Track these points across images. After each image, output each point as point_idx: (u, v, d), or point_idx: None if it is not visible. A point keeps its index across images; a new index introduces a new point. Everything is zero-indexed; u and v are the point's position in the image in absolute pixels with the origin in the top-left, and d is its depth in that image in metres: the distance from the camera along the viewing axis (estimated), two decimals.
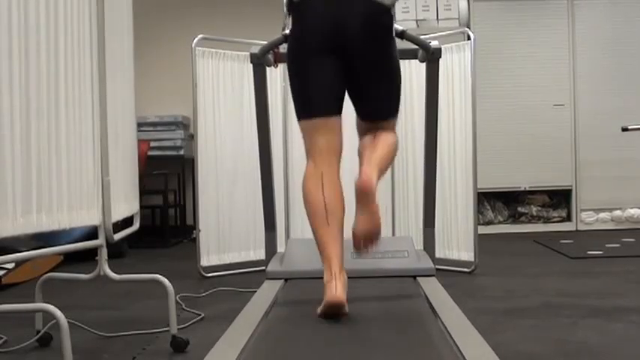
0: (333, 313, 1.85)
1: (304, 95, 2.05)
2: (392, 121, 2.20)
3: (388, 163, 2.10)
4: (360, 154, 2.13)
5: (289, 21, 2.12)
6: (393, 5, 2.08)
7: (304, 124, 2.08)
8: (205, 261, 3.97)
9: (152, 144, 5.74)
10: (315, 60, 2.01)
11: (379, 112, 2.16)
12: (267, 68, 2.75)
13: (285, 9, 2.11)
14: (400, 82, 2.17)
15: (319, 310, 1.88)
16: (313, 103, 2.04)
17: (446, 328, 1.75)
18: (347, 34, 1.99)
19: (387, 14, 2.05)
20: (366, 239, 1.90)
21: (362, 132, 2.22)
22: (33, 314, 2.51)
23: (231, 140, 4.10)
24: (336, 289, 1.85)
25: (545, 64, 5.89)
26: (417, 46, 2.61)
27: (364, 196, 1.87)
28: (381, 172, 2.01)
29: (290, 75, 2.08)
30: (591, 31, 5.91)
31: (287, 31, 2.22)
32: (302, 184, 2.03)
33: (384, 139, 2.11)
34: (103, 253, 2.31)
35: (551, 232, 5.80)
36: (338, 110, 2.07)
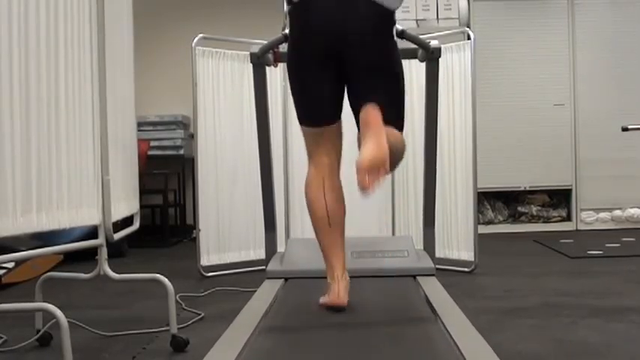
0: (334, 311, 1.94)
1: (304, 104, 2.07)
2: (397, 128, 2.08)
3: (397, 145, 1.92)
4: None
5: (288, 20, 2.11)
6: (397, 8, 2.02)
7: (305, 130, 2.12)
8: (205, 260, 3.97)
9: (152, 144, 5.73)
10: (315, 66, 1.99)
11: (388, 113, 2.10)
12: (267, 68, 2.75)
13: (285, 8, 2.10)
14: (403, 89, 2.08)
15: (322, 300, 1.99)
16: (313, 113, 2.06)
17: (446, 327, 1.75)
18: (347, 38, 1.94)
19: (390, 18, 2.00)
20: (371, 169, 1.66)
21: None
22: (33, 314, 2.51)
23: (231, 140, 4.10)
24: (339, 293, 1.95)
25: (545, 64, 5.89)
26: (416, 46, 2.61)
27: (369, 125, 1.75)
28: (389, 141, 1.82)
29: (290, 78, 2.08)
30: (591, 31, 5.91)
31: (287, 31, 2.22)
32: (304, 188, 2.09)
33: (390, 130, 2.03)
34: (103, 253, 2.31)
35: (551, 231, 5.80)
36: (337, 117, 2.09)
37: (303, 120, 2.09)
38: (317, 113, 2.05)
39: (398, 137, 1.96)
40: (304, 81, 2.03)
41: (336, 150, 2.11)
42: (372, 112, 1.76)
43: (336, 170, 2.11)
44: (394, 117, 1.99)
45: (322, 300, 1.99)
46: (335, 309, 1.94)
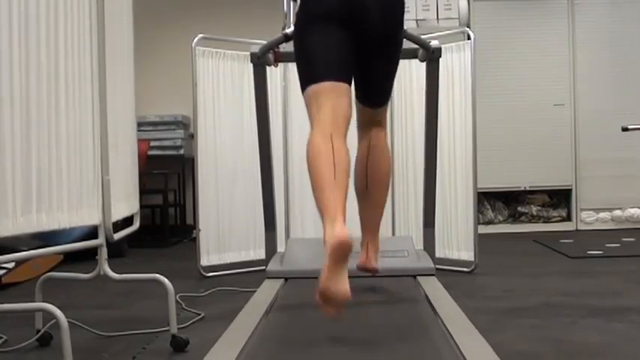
0: (342, 254, 1.58)
1: (314, 59, 1.93)
2: (385, 109, 2.23)
3: (384, 198, 2.23)
4: (357, 193, 2.20)
5: (289, 20, 2.11)
6: None
7: (312, 90, 1.91)
8: (205, 261, 3.97)
9: (152, 144, 5.74)
10: (329, 27, 1.94)
11: (380, 94, 2.17)
12: (267, 68, 2.75)
13: (284, 7, 2.10)
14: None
15: (326, 250, 1.59)
16: (324, 66, 1.91)
17: (446, 327, 1.75)
18: (365, 7, 1.95)
19: (403, 1, 2.07)
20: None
21: (359, 124, 2.24)
22: (33, 314, 2.51)
23: (231, 140, 4.10)
24: (336, 226, 1.61)
25: (545, 64, 5.89)
26: (417, 46, 2.61)
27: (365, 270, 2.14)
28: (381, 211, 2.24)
29: (299, 40, 1.99)
30: (591, 31, 5.91)
31: (287, 31, 2.22)
32: (307, 146, 1.82)
33: (379, 167, 2.18)
34: (103, 253, 2.31)
35: (551, 231, 5.80)
36: (349, 78, 1.97)
37: (311, 76, 1.92)
38: (327, 65, 1.92)
39: (386, 180, 2.18)
40: (316, 37, 1.94)
41: (345, 114, 1.89)
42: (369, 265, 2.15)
43: (344, 134, 1.86)
44: (389, 94, 2.18)
45: (326, 250, 1.60)
46: (340, 248, 1.57)
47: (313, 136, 1.82)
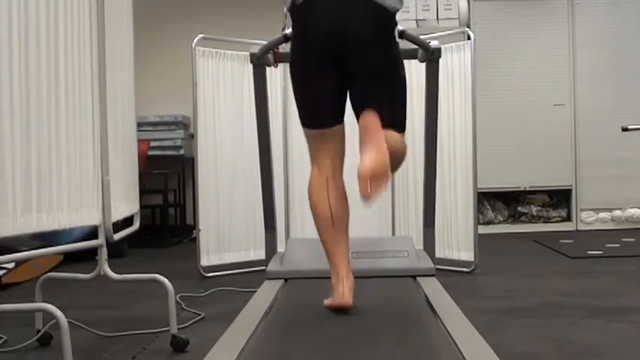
0: (342, 309, 1.94)
1: (306, 105, 2.07)
2: (401, 137, 2.06)
3: (397, 149, 1.92)
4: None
5: (289, 21, 2.11)
6: (399, 10, 2.03)
7: (308, 132, 2.10)
8: (205, 261, 3.97)
9: (152, 144, 5.73)
10: (317, 67, 1.98)
11: (389, 118, 2.03)
12: (267, 68, 2.76)
13: (284, 9, 2.10)
14: (405, 90, 2.08)
15: (327, 302, 1.98)
16: (316, 116, 2.05)
17: (446, 327, 1.75)
18: (348, 38, 1.93)
19: (391, 19, 2.01)
20: (374, 177, 1.67)
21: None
22: (33, 314, 2.51)
23: (231, 140, 4.10)
24: (344, 293, 1.94)
25: (545, 64, 5.89)
26: (417, 46, 2.62)
27: (368, 132, 1.76)
28: (391, 148, 1.82)
29: (292, 79, 2.08)
30: (591, 31, 5.91)
31: (287, 31, 2.22)
32: (308, 190, 2.08)
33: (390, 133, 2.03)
34: (103, 253, 2.31)
35: (551, 231, 5.80)
36: (340, 119, 2.08)
37: (306, 122, 2.09)
38: (319, 115, 2.04)
39: (398, 140, 1.97)
40: (306, 82, 2.02)
41: (339, 152, 2.10)
42: (371, 119, 1.77)
43: (339, 171, 2.10)
44: (395, 119, 2.00)
45: (327, 302, 1.99)
46: (340, 310, 1.94)
47: (312, 182, 2.08)
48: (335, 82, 2.00)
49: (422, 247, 2.94)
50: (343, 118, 2.09)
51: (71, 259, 4.42)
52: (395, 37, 2.06)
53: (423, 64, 2.71)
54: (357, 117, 2.07)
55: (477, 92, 3.97)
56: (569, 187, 5.93)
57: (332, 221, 2.01)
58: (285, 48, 2.49)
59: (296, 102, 2.10)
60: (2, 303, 1.95)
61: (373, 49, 1.97)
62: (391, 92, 2.02)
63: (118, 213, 2.37)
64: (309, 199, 2.08)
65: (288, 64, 2.11)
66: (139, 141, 3.14)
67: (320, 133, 2.06)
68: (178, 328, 2.42)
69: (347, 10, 1.94)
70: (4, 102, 1.77)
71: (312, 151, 2.11)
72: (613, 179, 5.89)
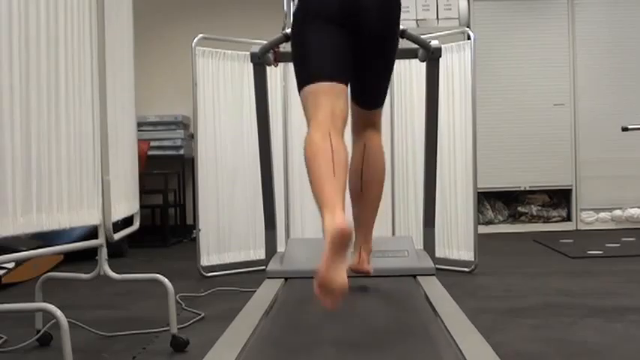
0: (342, 243, 1.58)
1: (311, 59, 1.94)
2: (380, 111, 2.23)
3: (379, 199, 2.21)
4: (352, 194, 2.18)
5: (289, 20, 2.10)
6: None
7: (309, 90, 1.92)
8: (205, 260, 3.97)
9: (152, 144, 5.73)
10: (326, 27, 1.94)
11: (376, 95, 2.17)
12: (268, 68, 2.75)
13: (284, 7, 2.10)
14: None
15: (326, 239, 1.60)
16: (321, 67, 1.92)
17: (446, 327, 1.75)
18: (362, 7, 1.95)
19: (399, 2, 2.07)
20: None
21: (354, 127, 2.23)
22: (33, 314, 2.51)
23: (231, 140, 4.10)
24: (336, 216, 1.61)
25: (545, 64, 5.89)
26: (417, 46, 2.61)
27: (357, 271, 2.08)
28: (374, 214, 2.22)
29: (296, 40, 2.00)
30: (591, 31, 5.91)
31: (287, 31, 2.21)
32: (304, 145, 1.82)
33: (374, 170, 2.17)
34: (103, 253, 2.31)
35: (551, 231, 5.80)
36: (345, 79, 1.97)
37: (308, 76, 1.93)
38: (325, 66, 1.93)
39: (381, 169, 2.19)
40: (314, 37, 1.95)
41: (342, 114, 1.90)
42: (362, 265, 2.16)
43: (342, 133, 1.87)
44: (384, 96, 2.19)
45: (325, 244, 1.60)
46: (339, 238, 1.57)
47: (311, 135, 1.81)
48: (343, 43, 1.96)
49: (422, 247, 2.94)
50: (347, 82, 1.99)
51: (71, 259, 4.42)
52: (400, 20, 2.11)
53: (423, 64, 2.71)
54: (354, 90, 2.16)
55: (477, 92, 3.97)
56: (569, 187, 5.93)
57: (333, 168, 1.73)
58: (286, 47, 2.49)
59: (298, 59, 1.98)
60: (2, 303, 1.95)
61: (385, 25, 2.02)
62: (389, 69, 2.13)
63: (118, 213, 2.37)
64: (306, 145, 1.80)
65: (288, 64, 2.11)
66: (139, 141, 3.14)
67: (323, 87, 1.90)
68: (178, 328, 2.42)
69: None
70: (4, 102, 1.77)
71: (312, 110, 1.89)
72: (613, 179, 5.90)
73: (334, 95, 1.90)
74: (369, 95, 2.16)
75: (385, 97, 2.22)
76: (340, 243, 1.56)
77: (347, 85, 1.98)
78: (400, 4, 2.08)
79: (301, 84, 1.96)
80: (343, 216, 1.61)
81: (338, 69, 1.94)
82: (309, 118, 1.90)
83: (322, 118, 1.84)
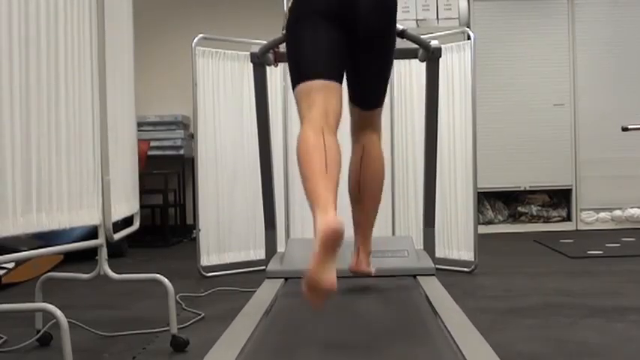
0: (333, 243, 1.54)
1: (305, 56, 1.93)
2: (379, 112, 2.22)
3: (378, 201, 2.22)
4: (351, 196, 2.20)
5: None
6: None
7: (302, 87, 1.91)
8: (205, 260, 3.97)
9: (152, 144, 5.74)
10: (321, 24, 1.93)
11: (374, 95, 2.16)
12: (268, 68, 2.75)
13: (284, 7, 2.10)
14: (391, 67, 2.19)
15: (317, 237, 1.55)
16: (315, 65, 1.91)
17: (446, 327, 1.75)
18: (358, 4, 1.94)
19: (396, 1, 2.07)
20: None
21: (353, 128, 2.23)
22: (33, 314, 2.51)
23: (231, 140, 4.10)
24: (328, 214, 1.57)
25: (545, 64, 5.89)
26: (417, 46, 2.61)
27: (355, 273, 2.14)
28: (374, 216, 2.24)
29: (291, 37, 1.99)
30: (591, 31, 5.91)
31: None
32: (297, 143, 1.79)
33: (373, 172, 2.18)
34: (103, 253, 2.31)
35: (551, 231, 5.80)
36: (340, 77, 1.96)
37: (302, 74, 1.92)
38: (319, 64, 1.92)
39: (379, 184, 2.19)
40: (309, 34, 1.94)
41: (336, 112, 1.89)
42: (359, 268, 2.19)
43: (335, 131, 1.85)
44: (383, 95, 2.18)
45: (316, 242, 1.55)
46: (331, 236, 1.53)
47: (304, 132, 1.79)
48: (339, 41, 1.95)
49: (422, 247, 2.94)
50: (342, 80, 1.98)
51: (71, 259, 4.42)
52: (396, 20, 2.11)
53: (423, 64, 2.71)
54: (352, 90, 2.16)
55: (477, 92, 3.97)
56: (569, 187, 5.93)
57: (325, 164, 1.71)
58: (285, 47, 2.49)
59: (292, 58, 1.97)
60: (2, 303, 1.95)
61: (382, 23, 2.01)
62: (387, 68, 2.12)
63: (118, 213, 2.37)
64: (298, 142, 1.77)
65: (288, 64, 2.09)
66: (139, 141, 3.14)
67: (317, 84, 1.89)
68: (178, 328, 2.42)
69: None
70: (4, 102, 1.77)
71: (305, 107, 1.87)
72: (613, 179, 5.90)
73: (328, 93, 1.89)
74: (367, 95, 2.16)
75: (384, 97, 2.20)
76: (331, 242, 1.53)
77: (341, 83, 1.97)
78: (396, 2, 2.07)
79: (295, 81, 1.95)
80: (335, 214, 1.58)
81: (332, 66, 1.93)
82: (302, 115, 1.89)
83: (315, 116, 1.83)
